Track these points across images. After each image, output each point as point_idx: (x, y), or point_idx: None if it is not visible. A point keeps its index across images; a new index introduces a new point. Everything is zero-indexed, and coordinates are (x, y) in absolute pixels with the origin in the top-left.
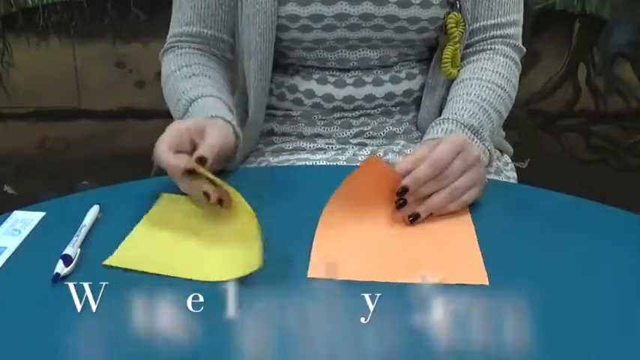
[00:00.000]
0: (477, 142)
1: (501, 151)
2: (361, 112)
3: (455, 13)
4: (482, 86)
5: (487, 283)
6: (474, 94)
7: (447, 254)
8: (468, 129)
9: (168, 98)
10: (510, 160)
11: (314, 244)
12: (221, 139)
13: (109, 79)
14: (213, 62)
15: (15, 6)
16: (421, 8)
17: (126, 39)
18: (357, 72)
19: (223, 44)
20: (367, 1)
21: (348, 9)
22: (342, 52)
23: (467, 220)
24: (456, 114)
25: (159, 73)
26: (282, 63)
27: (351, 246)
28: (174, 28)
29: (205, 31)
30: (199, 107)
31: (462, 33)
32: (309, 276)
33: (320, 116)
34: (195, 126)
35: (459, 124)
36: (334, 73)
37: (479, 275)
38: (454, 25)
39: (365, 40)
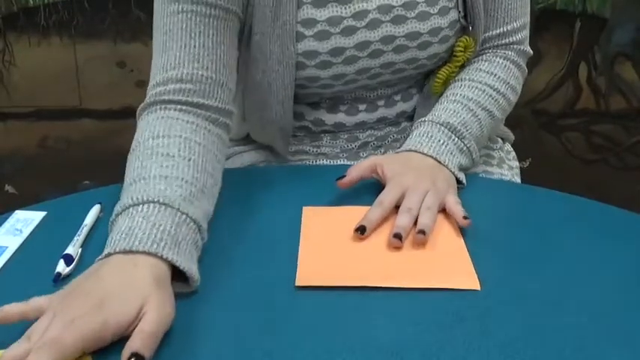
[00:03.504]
0: (454, 139)
1: (502, 139)
2: (369, 127)
3: (466, 37)
4: (472, 87)
5: (478, 287)
6: (460, 94)
7: (437, 260)
8: (445, 127)
9: (129, 169)
10: (512, 149)
11: (299, 253)
12: (163, 323)
13: (109, 78)
14: (200, 134)
15: (16, 5)
16: (439, 44)
17: (127, 39)
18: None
19: (221, 90)
20: (388, 52)
21: (369, 63)
22: (359, 93)
23: (454, 228)
24: (434, 115)
25: None
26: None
27: (337, 254)
28: (157, 76)
29: (199, 72)
30: (148, 216)
31: (468, 58)
32: (297, 285)
33: (327, 134)
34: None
35: (435, 124)
36: (347, 103)
37: (470, 280)
38: (462, 49)
39: (383, 83)
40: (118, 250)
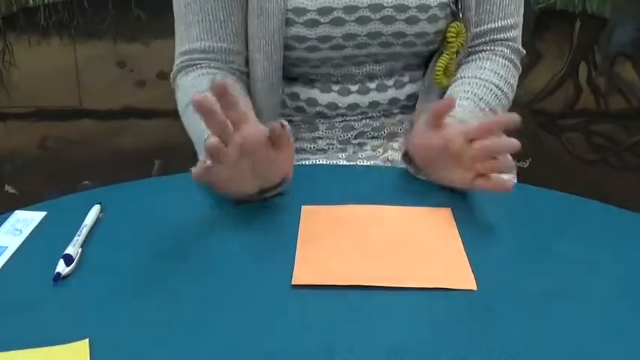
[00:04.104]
0: None
1: None
2: (363, 116)
3: (457, 23)
4: (480, 85)
5: (475, 288)
6: (471, 92)
7: (435, 260)
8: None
9: (193, 125)
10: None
11: (297, 252)
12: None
13: (109, 78)
14: (234, 83)
15: (16, 5)
16: (428, 23)
17: (127, 39)
18: (361, 81)
19: (238, 56)
20: (375, 20)
21: (356, 29)
22: (348, 68)
23: (453, 229)
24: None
25: (160, 73)
26: (284, 75)
27: (335, 253)
28: (183, 46)
29: (219, 44)
30: None
31: (462, 44)
32: (293, 283)
33: (322, 121)
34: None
35: (454, 119)
36: (338, 82)
37: (467, 280)
38: (454, 35)
39: (371, 56)
40: None
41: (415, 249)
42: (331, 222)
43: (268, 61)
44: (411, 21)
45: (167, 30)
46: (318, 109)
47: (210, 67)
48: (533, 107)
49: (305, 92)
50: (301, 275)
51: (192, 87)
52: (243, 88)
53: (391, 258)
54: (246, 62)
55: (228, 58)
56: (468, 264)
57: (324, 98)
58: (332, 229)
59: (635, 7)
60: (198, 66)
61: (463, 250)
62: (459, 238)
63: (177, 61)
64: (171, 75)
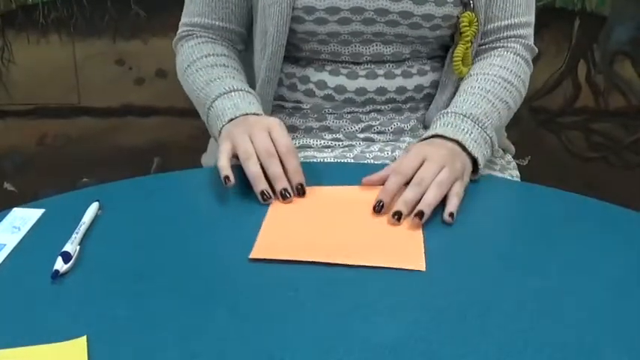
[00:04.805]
0: (478, 129)
1: (504, 150)
2: (371, 107)
3: (468, 12)
4: (488, 80)
5: (424, 269)
6: (478, 87)
7: (390, 239)
8: (468, 118)
9: (195, 81)
10: (513, 159)
11: (262, 227)
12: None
13: (108, 76)
14: (232, 54)
15: (15, 3)
16: (436, 6)
17: (126, 36)
18: (369, 65)
19: (234, 35)
20: None
21: (363, 3)
22: (355, 46)
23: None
24: (456, 107)
25: (158, 71)
26: (295, 55)
27: (296, 231)
28: (186, 17)
29: (217, 23)
30: (242, 97)
31: (475, 33)
32: (251, 257)
33: (330, 110)
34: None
35: (458, 115)
36: (347, 65)
37: (417, 261)
38: (467, 24)
39: (379, 35)
40: (237, 115)
41: (376, 229)
42: (300, 203)
43: (275, 28)
44: (418, 1)
45: (166, 28)
46: (326, 91)
47: (209, 38)
48: (533, 105)
49: (315, 75)
50: (260, 250)
51: (196, 51)
52: (240, 64)
53: (350, 238)
54: (243, 42)
55: (225, 36)
56: (422, 245)
57: (333, 80)
58: (299, 209)
59: (634, 6)
60: (197, 36)
61: (420, 231)
62: (420, 226)
63: (179, 29)
64: (173, 41)
